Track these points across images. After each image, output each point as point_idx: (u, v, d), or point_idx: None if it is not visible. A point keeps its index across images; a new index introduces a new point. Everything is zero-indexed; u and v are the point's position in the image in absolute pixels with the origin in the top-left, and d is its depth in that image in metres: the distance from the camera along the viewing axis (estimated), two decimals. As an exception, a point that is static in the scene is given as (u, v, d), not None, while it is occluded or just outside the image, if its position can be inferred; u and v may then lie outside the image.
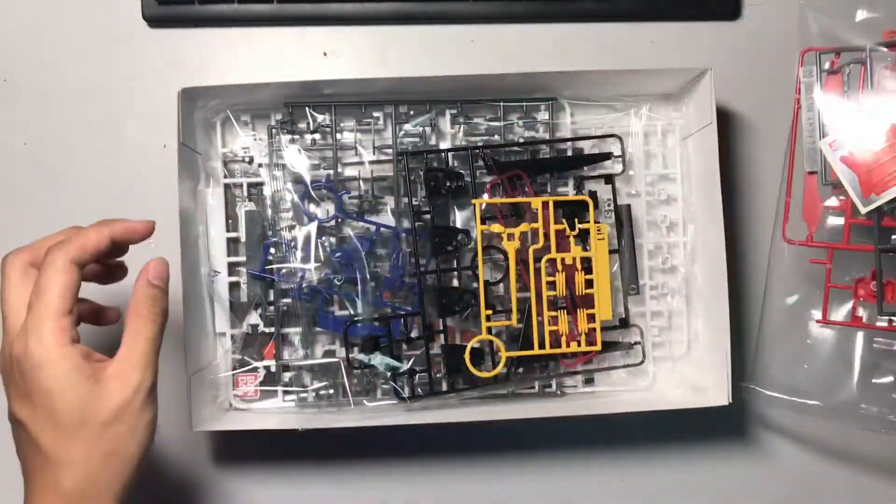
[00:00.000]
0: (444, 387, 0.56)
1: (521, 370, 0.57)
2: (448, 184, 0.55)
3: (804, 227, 0.55)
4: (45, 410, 0.41)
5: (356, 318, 0.55)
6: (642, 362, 0.57)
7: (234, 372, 0.56)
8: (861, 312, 0.54)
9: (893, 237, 0.52)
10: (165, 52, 0.60)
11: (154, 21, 0.59)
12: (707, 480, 0.61)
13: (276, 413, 0.56)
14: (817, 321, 0.55)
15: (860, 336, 0.55)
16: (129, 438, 0.42)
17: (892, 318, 0.53)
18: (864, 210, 0.51)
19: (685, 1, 0.61)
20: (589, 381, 0.58)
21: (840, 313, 0.55)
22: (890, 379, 0.55)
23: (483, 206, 0.55)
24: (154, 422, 0.43)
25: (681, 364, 0.59)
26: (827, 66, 0.54)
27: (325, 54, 0.60)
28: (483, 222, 0.54)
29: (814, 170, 0.53)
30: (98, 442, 0.41)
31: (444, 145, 0.58)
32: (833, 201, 0.53)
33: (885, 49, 0.51)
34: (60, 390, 0.40)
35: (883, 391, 0.55)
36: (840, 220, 0.53)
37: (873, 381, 0.55)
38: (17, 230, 0.59)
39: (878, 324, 0.54)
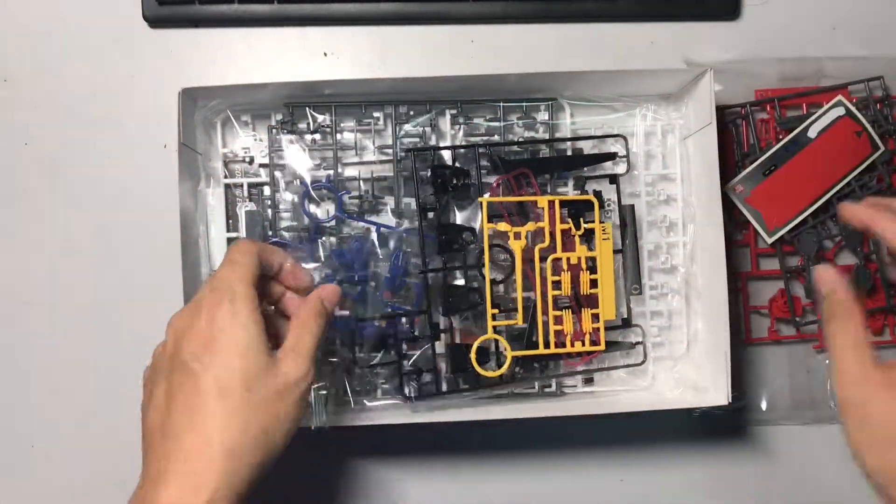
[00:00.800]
0: (446, 387, 0.56)
1: (521, 370, 0.57)
2: (454, 181, 0.55)
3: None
4: (225, 362, 0.41)
5: (363, 318, 0.55)
6: (643, 362, 0.57)
7: None
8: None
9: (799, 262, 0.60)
10: (165, 52, 0.60)
11: (154, 21, 0.59)
12: (707, 480, 0.61)
13: None
14: (742, 341, 0.60)
15: (804, 347, 0.61)
16: (280, 424, 0.42)
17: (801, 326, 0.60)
18: (769, 240, 0.59)
19: (685, 1, 0.61)
20: (589, 381, 0.58)
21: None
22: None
23: (488, 205, 0.55)
24: (295, 427, 0.44)
25: (680, 364, 0.59)
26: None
27: (325, 54, 0.60)
28: (489, 221, 0.54)
29: None
30: (258, 413, 0.41)
31: (444, 145, 0.57)
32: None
33: (758, 106, 0.60)
34: (247, 348, 0.42)
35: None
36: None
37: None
38: (18, 230, 0.59)
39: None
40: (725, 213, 0.54)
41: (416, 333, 0.55)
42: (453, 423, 0.53)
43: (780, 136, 0.59)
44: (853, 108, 0.58)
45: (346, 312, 0.56)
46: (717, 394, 0.53)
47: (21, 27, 0.60)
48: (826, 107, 0.59)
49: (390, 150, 0.57)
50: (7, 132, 0.59)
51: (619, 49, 0.61)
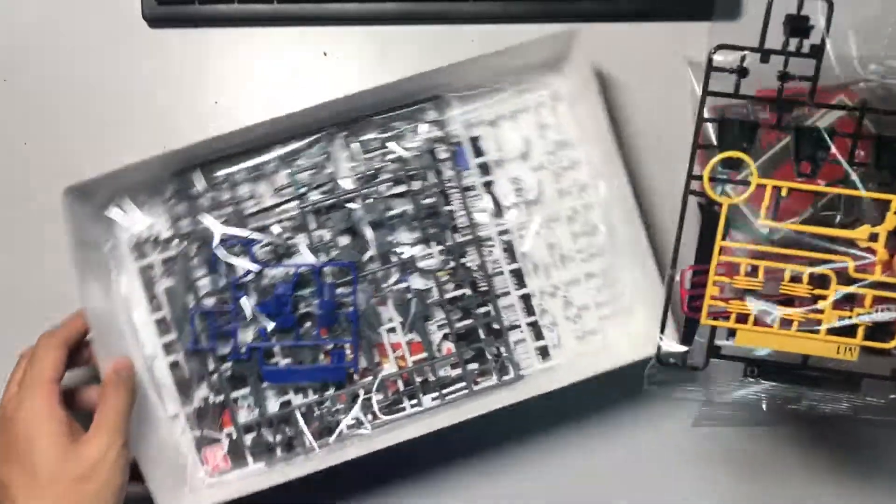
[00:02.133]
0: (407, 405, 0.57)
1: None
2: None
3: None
4: (24, 464, 0.45)
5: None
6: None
7: (198, 449, 0.56)
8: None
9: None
10: (165, 52, 0.60)
11: (154, 21, 0.59)
12: (707, 481, 0.62)
13: (251, 477, 0.55)
14: None
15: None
16: (95, 499, 0.46)
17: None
18: None
19: (686, 1, 0.61)
20: (545, 357, 0.58)
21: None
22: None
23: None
24: (122, 489, 0.47)
25: (626, 318, 0.58)
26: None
27: (325, 54, 0.60)
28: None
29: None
30: (67, 497, 0.45)
31: (343, 171, 0.57)
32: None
33: (759, 104, 0.58)
34: (42, 445, 0.46)
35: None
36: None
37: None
38: (17, 231, 0.59)
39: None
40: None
41: (363, 363, 0.56)
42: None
43: (781, 136, 0.59)
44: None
45: (289, 360, 0.56)
46: (667, 340, 0.50)
47: (21, 27, 0.60)
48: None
49: (288, 190, 0.56)
50: (7, 132, 0.60)
51: (618, 48, 0.61)
